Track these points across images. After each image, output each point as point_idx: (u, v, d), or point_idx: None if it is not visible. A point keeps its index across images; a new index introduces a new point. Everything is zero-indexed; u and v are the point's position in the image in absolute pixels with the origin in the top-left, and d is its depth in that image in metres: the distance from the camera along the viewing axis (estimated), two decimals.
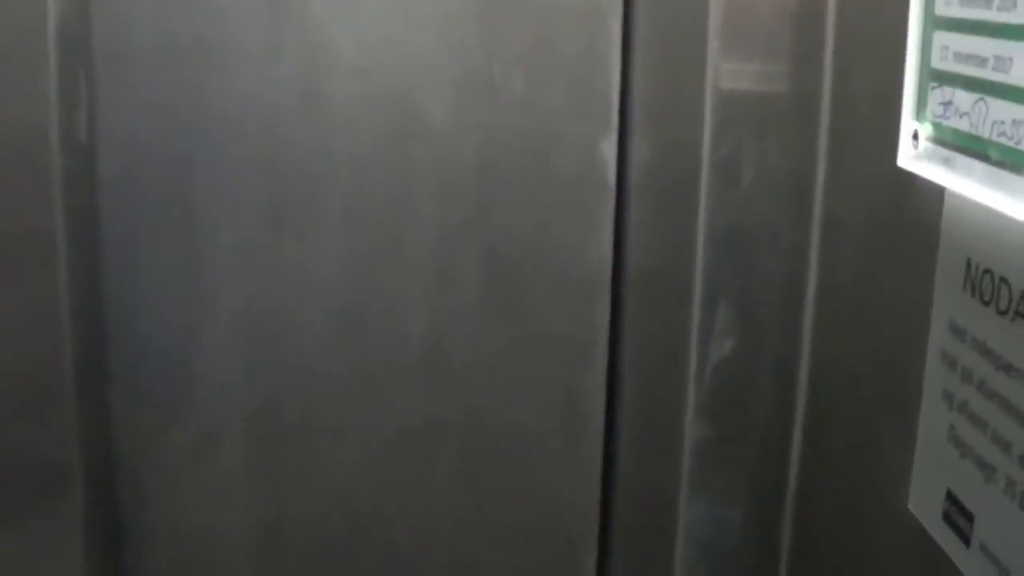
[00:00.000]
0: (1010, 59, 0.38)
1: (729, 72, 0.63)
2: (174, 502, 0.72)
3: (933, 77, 0.43)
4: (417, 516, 0.73)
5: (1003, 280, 0.40)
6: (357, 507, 0.72)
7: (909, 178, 0.44)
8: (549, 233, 0.69)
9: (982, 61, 0.39)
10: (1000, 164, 0.38)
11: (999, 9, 0.38)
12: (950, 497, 0.43)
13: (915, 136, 0.44)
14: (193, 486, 0.71)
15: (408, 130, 0.68)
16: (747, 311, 0.62)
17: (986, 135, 0.39)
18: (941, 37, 0.42)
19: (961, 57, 0.40)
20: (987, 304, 0.41)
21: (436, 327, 0.70)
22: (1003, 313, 0.40)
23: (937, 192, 0.44)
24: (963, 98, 0.40)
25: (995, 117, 0.39)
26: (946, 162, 0.42)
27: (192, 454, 0.71)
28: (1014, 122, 0.37)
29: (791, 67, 0.61)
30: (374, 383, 0.71)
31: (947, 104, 0.41)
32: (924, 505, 0.44)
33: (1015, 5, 0.37)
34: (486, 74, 0.67)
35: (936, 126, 0.42)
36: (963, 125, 0.40)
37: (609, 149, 0.68)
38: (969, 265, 0.42)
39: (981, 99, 0.39)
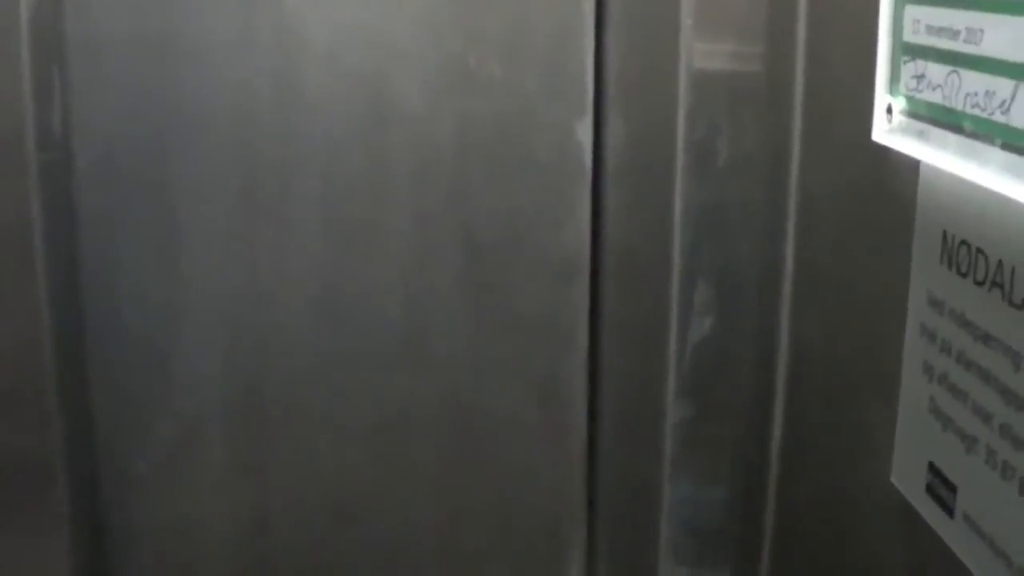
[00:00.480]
0: (981, 30, 0.38)
1: (703, 52, 0.63)
2: (158, 495, 0.71)
3: (905, 51, 0.43)
4: (402, 503, 0.73)
5: (979, 251, 0.40)
6: (341, 496, 0.72)
7: (884, 152, 0.44)
8: (526, 217, 0.69)
9: (954, 33, 0.39)
10: (974, 135, 0.38)
11: None
12: (932, 469, 0.43)
13: (889, 110, 0.44)
14: (177, 479, 0.71)
15: (383, 116, 0.68)
16: (726, 290, 0.62)
17: (959, 107, 0.39)
18: (912, 10, 0.42)
19: (933, 30, 0.41)
20: (964, 276, 0.41)
21: (415, 313, 0.70)
22: (980, 284, 0.40)
23: (912, 165, 0.44)
24: (936, 71, 0.41)
25: (968, 89, 0.39)
26: (920, 135, 0.42)
27: (175, 447, 0.71)
28: (987, 93, 0.38)
29: (764, 46, 0.61)
30: (355, 370, 0.71)
31: (920, 77, 0.42)
32: (907, 478, 0.45)
33: None
34: (460, 59, 0.67)
35: (909, 99, 0.43)
36: (936, 98, 0.41)
37: (584, 132, 0.68)
38: (945, 237, 0.42)
39: (954, 71, 0.39)
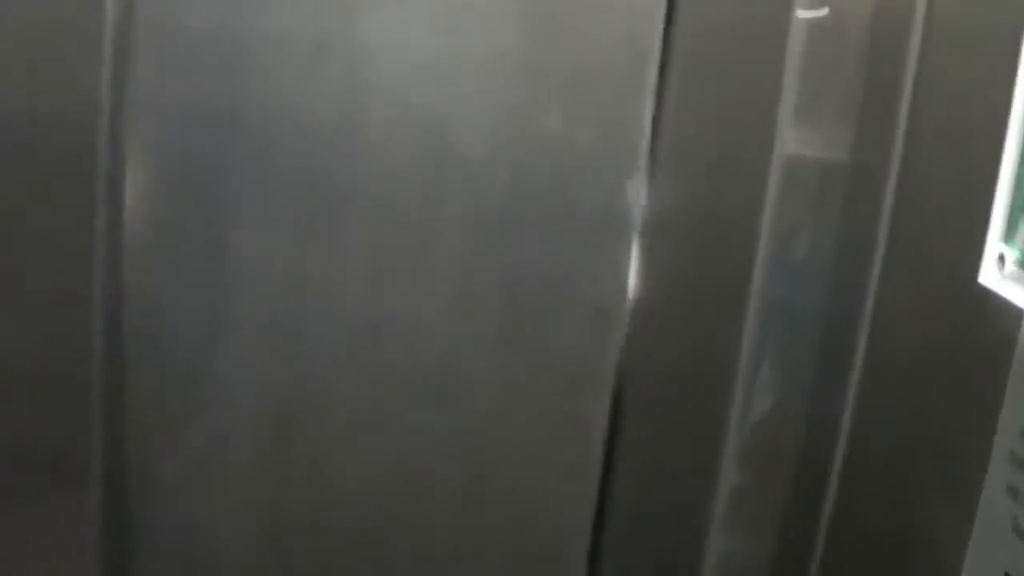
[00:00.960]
0: None
1: (792, 137, 0.65)
2: (187, 503, 0.73)
3: None
4: (419, 532, 0.76)
5: None
6: (361, 518, 0.75)
7: (982, 288, 0.49)
8: (569, 268, 0.72)
9: None
10: None
11: None
12: None
13: (1001, 258, 0.49)
14: (206, 489, 0.73)
15: (441, 157, 0.70)
16: (790, 375, 0.66)
17: None
18: None
19: None
20: None
21: (452, 351, 0.73)
22: None
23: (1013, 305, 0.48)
24: None
25: None
26: None
27: (205, 457, 0.73)
28: None
29: (857, 141, 0.63)
30: (386, 400, 0.73)
31: None
32: None
33: None
34: (522, 109, 0.70)
35: None
36: None
37: (634, 190, 0.71)
38: None
39: None
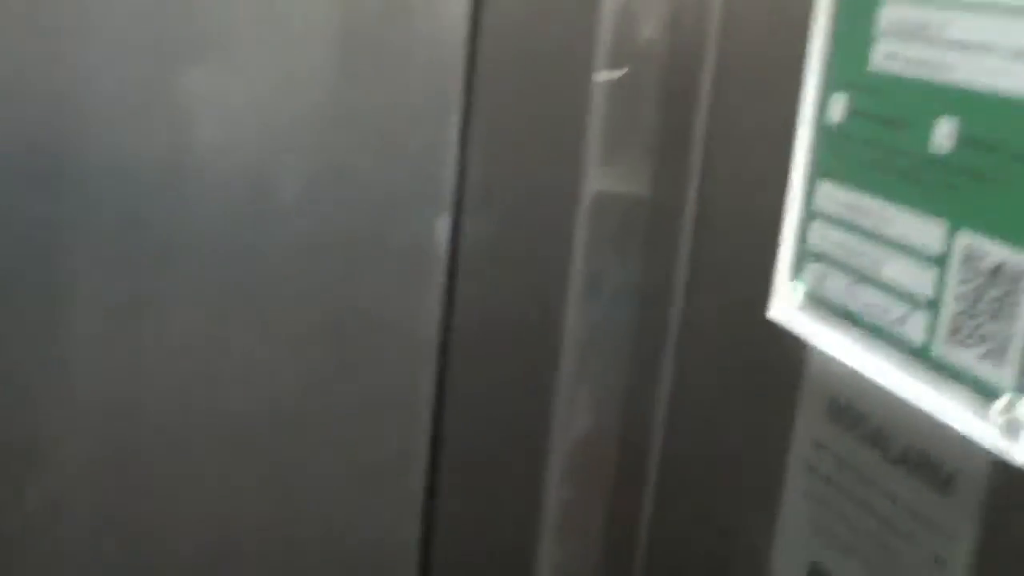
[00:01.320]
0: (882, 261, 0.51)
1: (597, 175, 0.71)
2: (27, 565, 0.74)
3: (809, 254, 0.55)
4: (251, 563, 0.78)
5: (863, 415, 0.53)
6: (201, 562, 0.77)
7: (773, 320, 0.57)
8: (384, 305, 0.77)
9: (856, 255, 0.52)
10: (869, 334, 0.51)
11: (877, 220, 0.51)
12: (813, 566, 0.56)
13: (788, 294, 0.56)
14: (45, 551, 0.74)
15: (263, 206, 0.73)
16: (605, 397, 0.73)
17: (858, 311, 0.52)
18: (818, 227, 0.54)
19: (837, 246, 0.53)
20: (849, 430, 0.54)
21: (279, 393, 0.76)
22: (863, 439, 0.53)
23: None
24: (838, 278, 0.53)
25: (866, 300, 0.51)
26: (819, 319, 0.54)
27: (43, 519, 0.73)
28: (884, 308, 0.50)
29: (657, 181, 0.69)
30: (221, 448, 0.76)
31: (822, 278, 0.54)
32: (787, 569, 0.58)
33: (891, 223, 0.50)
34: (337, 155, 0.74)
35: (810, 292, 0.55)
36: (837, 297, 0.53)
37: (443, 228, 0.76)
38: (832, 399, 0.55)
39: (854, 284, 0.52)
